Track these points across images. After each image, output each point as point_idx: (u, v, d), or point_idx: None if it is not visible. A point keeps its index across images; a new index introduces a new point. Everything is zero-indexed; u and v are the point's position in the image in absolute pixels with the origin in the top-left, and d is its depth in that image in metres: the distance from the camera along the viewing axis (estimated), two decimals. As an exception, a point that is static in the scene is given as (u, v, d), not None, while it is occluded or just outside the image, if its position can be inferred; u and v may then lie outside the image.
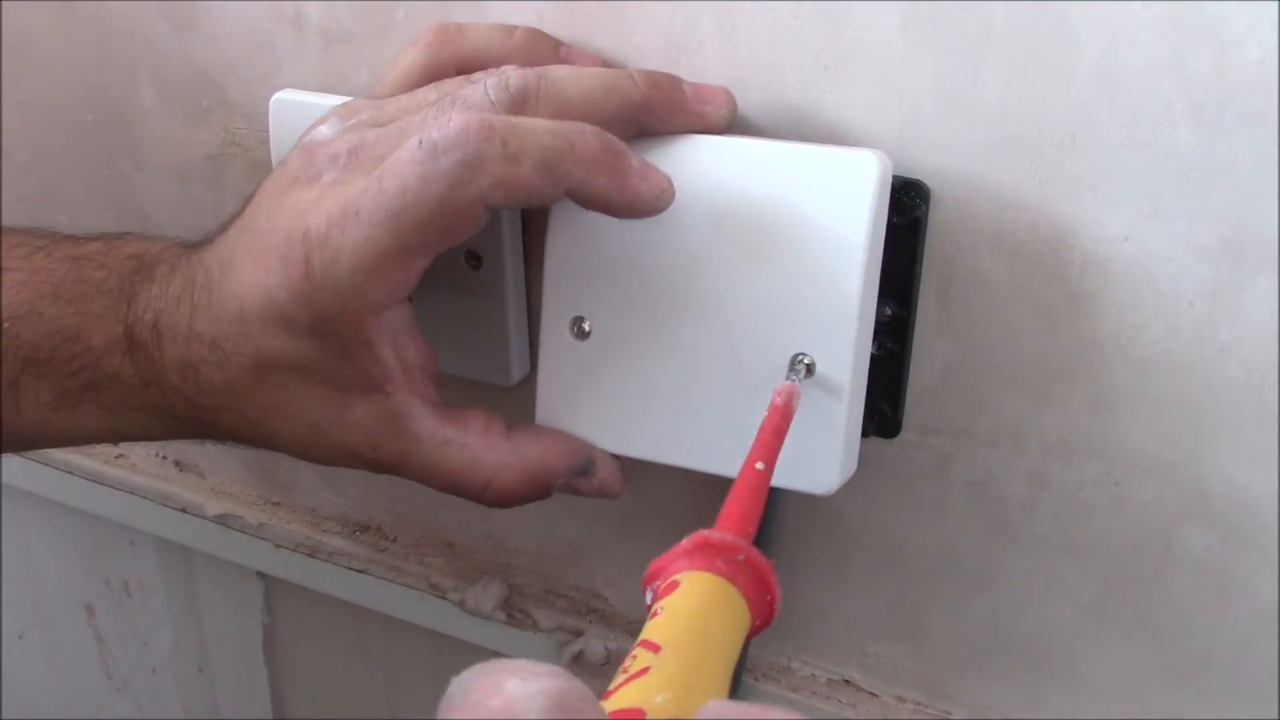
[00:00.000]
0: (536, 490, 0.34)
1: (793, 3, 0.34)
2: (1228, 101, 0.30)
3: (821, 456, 0.32)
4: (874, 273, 0.32)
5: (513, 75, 0.31)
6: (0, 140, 0.54)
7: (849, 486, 0.41)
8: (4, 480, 0.64)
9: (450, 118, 0.29)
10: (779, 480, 0.32)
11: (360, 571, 0.52)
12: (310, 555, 0.54)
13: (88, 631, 0.71)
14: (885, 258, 0.35)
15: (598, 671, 0.49)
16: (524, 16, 0.38)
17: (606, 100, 0.31)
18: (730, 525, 0.26)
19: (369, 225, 0.29)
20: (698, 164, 0.32)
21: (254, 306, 0.31)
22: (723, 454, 0.34)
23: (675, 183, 0.31)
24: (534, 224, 0.42)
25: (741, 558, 0.24)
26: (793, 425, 0.30)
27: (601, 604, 0.50)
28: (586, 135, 0.29)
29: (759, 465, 0.28)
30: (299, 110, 0.43)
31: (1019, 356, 0.36)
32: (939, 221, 0.35)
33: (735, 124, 0.34)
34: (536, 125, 0.29)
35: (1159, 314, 0.33)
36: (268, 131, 0.44)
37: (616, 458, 0.35)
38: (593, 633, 0.49)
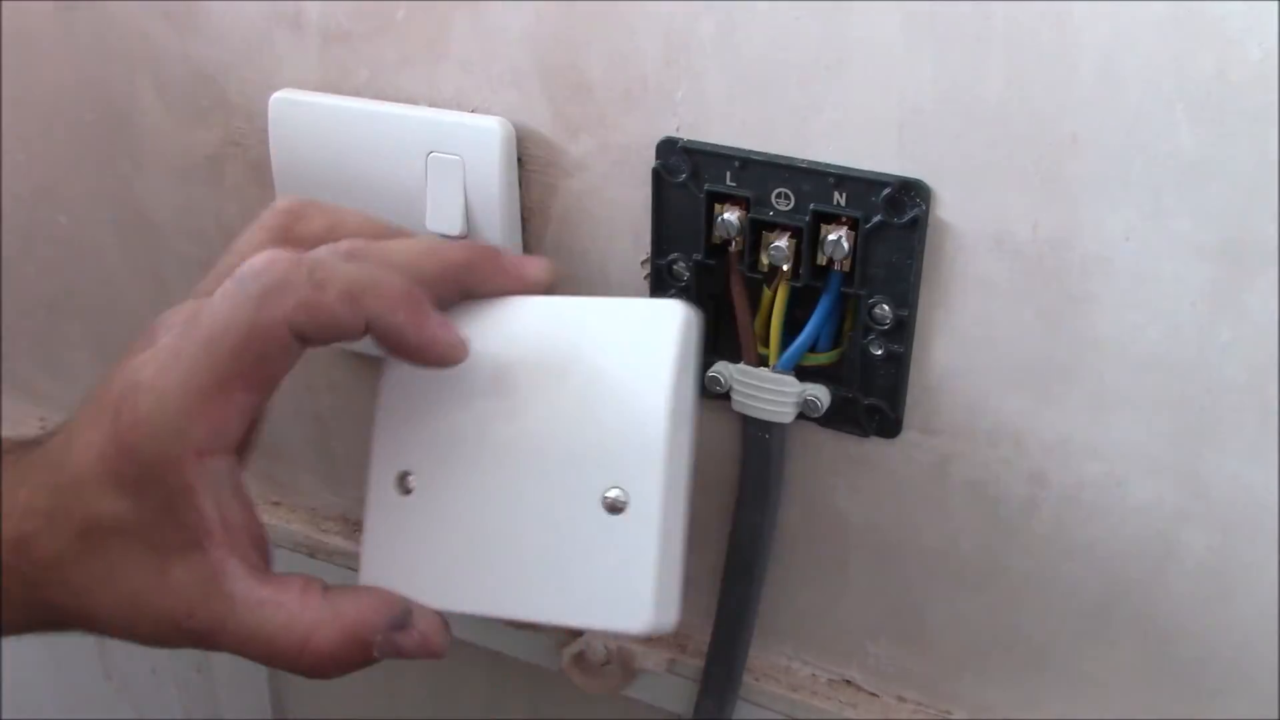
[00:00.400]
0: (356, 649, 0.33)
1: (793, 3, 0.34)
2: (1228, 101, 0.30)
3: (634, 593, 0.31)
4: (684, 410, 0.32)
5: (345, 243, 0.32)
6: (0, 140, 0.54)
7: (849, 486, 0.41)
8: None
9: (264, 254, 0.30)
10: (590, 622, 0.32)
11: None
12: (310, 555, 0.54)
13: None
14: (885, 257, 0.35)
15: (598, 671, 0.49)
16: (524, 16, 0.38)
17: (427, 261, 0.33)
18: None
19: (188, 361, 0.30)
20: (516, 320, 0.33)
21: (86, 466, 0.32)
22: (537, 600, 0.33)
23: (495, 336, 0.33)
24: (534, 223, 0.42)
25: None
26: (604, 561, 0.31)
27: (601, 604, 0.50)
28: (392, 276, 0.31)
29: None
30: (299, 110, 0.43)
31: (1019, 356, 0.36)
32: (939, 221, 0.35)
33: (556, 289, 0.34)
34: (344, 263, 0.31)
35: (1159, 314, 0.33)
36: (268, 131, 0.44)
37: (438, 613, 0.34)
38: (593, 633, 0.49)
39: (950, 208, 0.35)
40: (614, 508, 0.31)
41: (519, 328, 0.33)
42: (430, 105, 0.42)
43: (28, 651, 0.73)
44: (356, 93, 0.43)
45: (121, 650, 0.70)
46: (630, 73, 0.38)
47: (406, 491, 0.34)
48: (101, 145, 0.51)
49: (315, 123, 0.43)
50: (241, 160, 0.47)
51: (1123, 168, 0.32)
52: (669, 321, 0.31)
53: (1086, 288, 0.34)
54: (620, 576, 0.31)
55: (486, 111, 0.41)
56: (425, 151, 0.41)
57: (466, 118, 0.40)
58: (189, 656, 0.67)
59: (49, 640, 0.73)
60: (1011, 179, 0.34)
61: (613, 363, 0.32)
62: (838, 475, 0.41)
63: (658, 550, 0.31)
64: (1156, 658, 0.38)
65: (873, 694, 0.45)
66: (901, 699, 0.44)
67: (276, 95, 0.43)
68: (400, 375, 0.34)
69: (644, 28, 0.37)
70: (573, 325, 0.33)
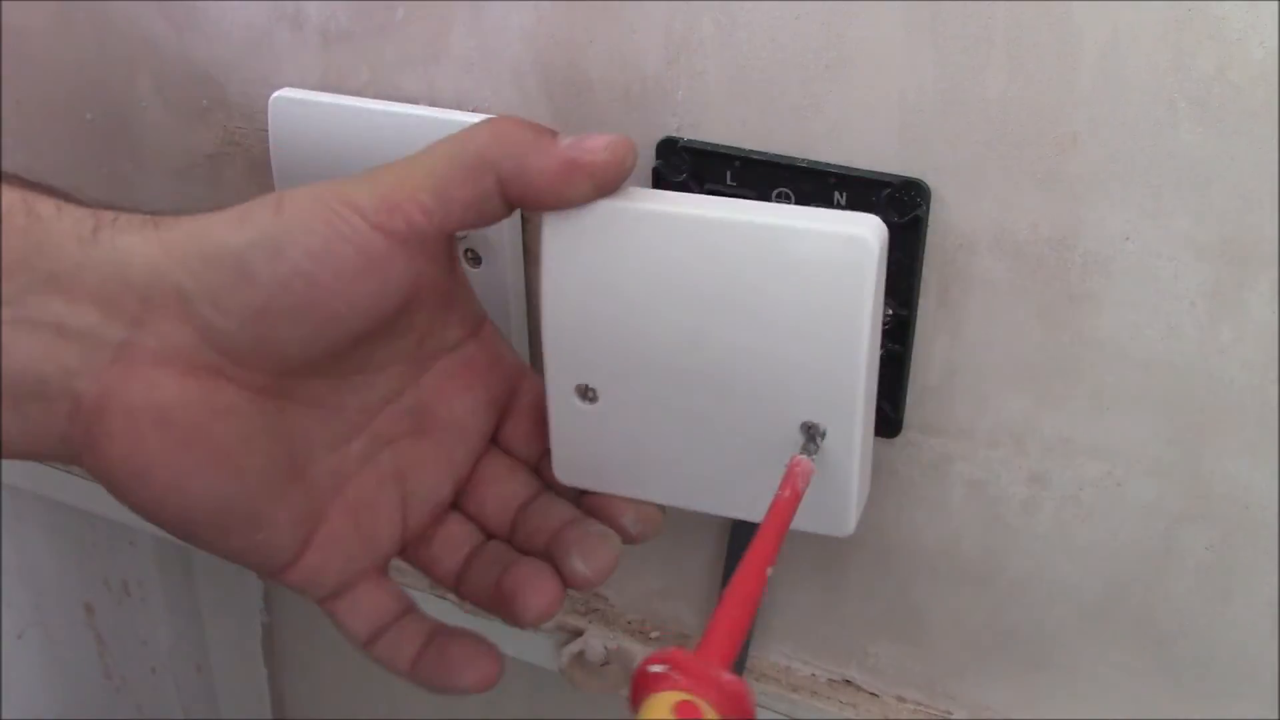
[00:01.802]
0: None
1: (793, 3, 0.34)
2: (1229, 101, 0.30)
3: (838, 505, 0.34)
4: (876, 338, 0.32)
5: None
6: (0, 140, 0.54)
7: (849, 486, 0.41)
8: (4, 480, 0.64)
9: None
10: (803, 525, 0.34)
11: (360, 571, 0.52)
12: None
13: (87, 631, 0.71)
14: (886, 257, 0.36)
15: (598, 671, 0.49)
16: (524, 16, 0.38)
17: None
18: (718, 653, 0.27)
19: (427, 160, 0.34)
20: (701, 240, 0.32)
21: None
22: (734, 499, 0.35)
23: (672, 252, 0.32)
24: (533, 222, 0.42)
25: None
26: (812, 483, 0.32)
27: (602, 604, 0.50)
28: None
29: (757, 578, 0.29)
30: (299, 109, 0.43)
31: (1019, 356, 0.36)
32: (939, 221, 0.35)
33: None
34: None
35: (1159, 314, 0.33)
36: (267, 131, 0.44)
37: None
38: (593, 632, 0.49)
39: (951, 207, 0.35)
40: (812, 434, 0.33)
41: (705, 241, 0.32)
42: (430, 105, 0.42)
43: (28, 651, 0.73)
44: (357, 92, 0.43)
45: (121, 650, 0.70)
46: (630, 73, 0.38)
47: (590, 400, 0.35)
48: (101, 145, 0.51)
49: (315, 122, 0.43)
50: (241, 160, 0.47)
51: (1123, 167, 0.32)
52: (864, 246, 0.31)
53: (1087, 287, 0.34)
54: (824, 494, 0.33)
55: (486, 111, 0.41)
56: (425, 151, 0.41)
57: (467, 117, 0.40)
58: (188, 656, 0.67)
59: (49, 640, 0.73)
60: (1012, 179, 0.34)
61: (807, 287, 0.31)
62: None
63: (857, 471, 0.33)
64: (1156, 658, 0.38)
65: (873, 694, 0.45)
66: (901, 699, 0.44)
67: (276, 95, 0.43)
68: (566, 287, 0.34)
69: (644, 28, 0.37)
70: (762, 242, 0.32)
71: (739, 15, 0.35)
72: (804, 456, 0.32)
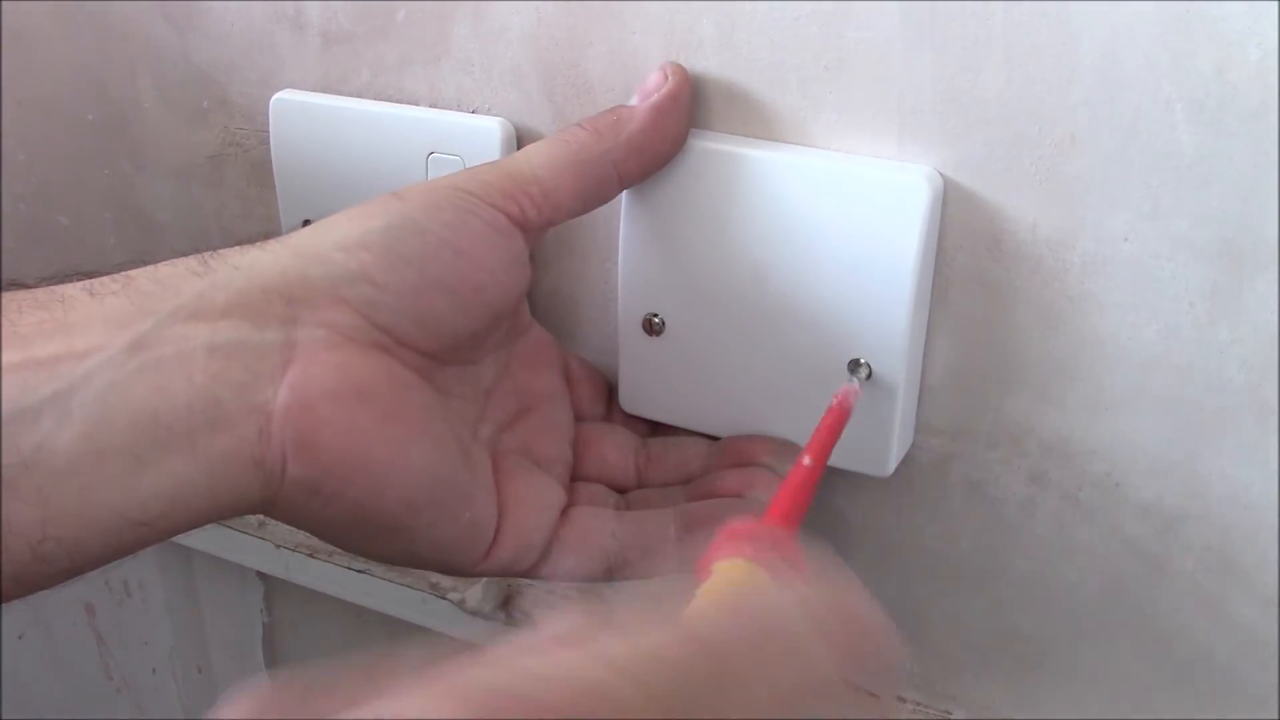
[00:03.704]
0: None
1: (793, 3, 0.34)
2: (1228, 101, 0.30)
3: (879, 445, 0.36)
4: (925, 281, 0.35)
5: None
6: (0, 140, 0.54)
7: (849, 487, 0.41)
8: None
9: None
10: (844, 463, 0.37)
11: (360, 571, 0.52)
12: (310, 555, 0.54)
13: (88, 631, 0.71)
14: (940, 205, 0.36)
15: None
16: (524, 16, 0.38)
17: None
18: (775, 517, 0.29)
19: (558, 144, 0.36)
20: (761, 176, 0.35)
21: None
22: (786, 434, 0.38)
23: (741, 192, 0.35)
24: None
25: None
26: (854, 420, 0.34)
27: (601, 604, 0.50)
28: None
29: (807, 461, 0.31)
30: (299, 110, 0.43)
31: (1019, 356, 0.36)
32: (939, 221, 0.35)
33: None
34: None
35: (1159, 314, 0.33)
36: (268, 131, 0.44)
37: None
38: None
39: (950, 208, 0.35)
40: (859, 371, 0.35)
41: (763, 183, 0.35)
42: (431, 106, 0.42)
43: (28, 651, 0.73)
44: (357, 93, 0.43)
45: (121, 650, 0.70)
46: (630, 73, 0.38)
47: (656, 333, 0.38)
48: (101, 145, 0.51)
49: (316, 123, 0.43)
50: (242, 160, 0.48)
51: (1122, 168, 0.32)
52: (918, 193, 0.33)
53: (1086, 288, 0.34)
54: (864, 429, 0.36)
55: (487, 112, 0.41)
56: (426, 152, 0.41)
57: (467, 118, 0.41)
58: (189, 656, 0.67)
59: (49, 640, 0.73)
60: (1011, 179, 0.34)
61: (861, 231, 0.34)
62: (837, 475, 0.41)
63: (900, 411, 0.36)
64: (1156, 658, 0.38)
65: (872, 694, 0.45)
66: (901, 699, 0.44)
67: (277, 96, 0.43)
68: (640, 224, 0.37)
69: (644, 28, 0.37)
70: (819, 187, 0.34)
71: (739, 15, 0.35)
72: (853, 383, 0.35)
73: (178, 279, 0.28)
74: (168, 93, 0.48)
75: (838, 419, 0.33)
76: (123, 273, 0.29)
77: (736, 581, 0.25)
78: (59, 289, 0.28)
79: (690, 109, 0.35)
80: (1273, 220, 0.31)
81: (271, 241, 0.30)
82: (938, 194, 0.34)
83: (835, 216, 0.34)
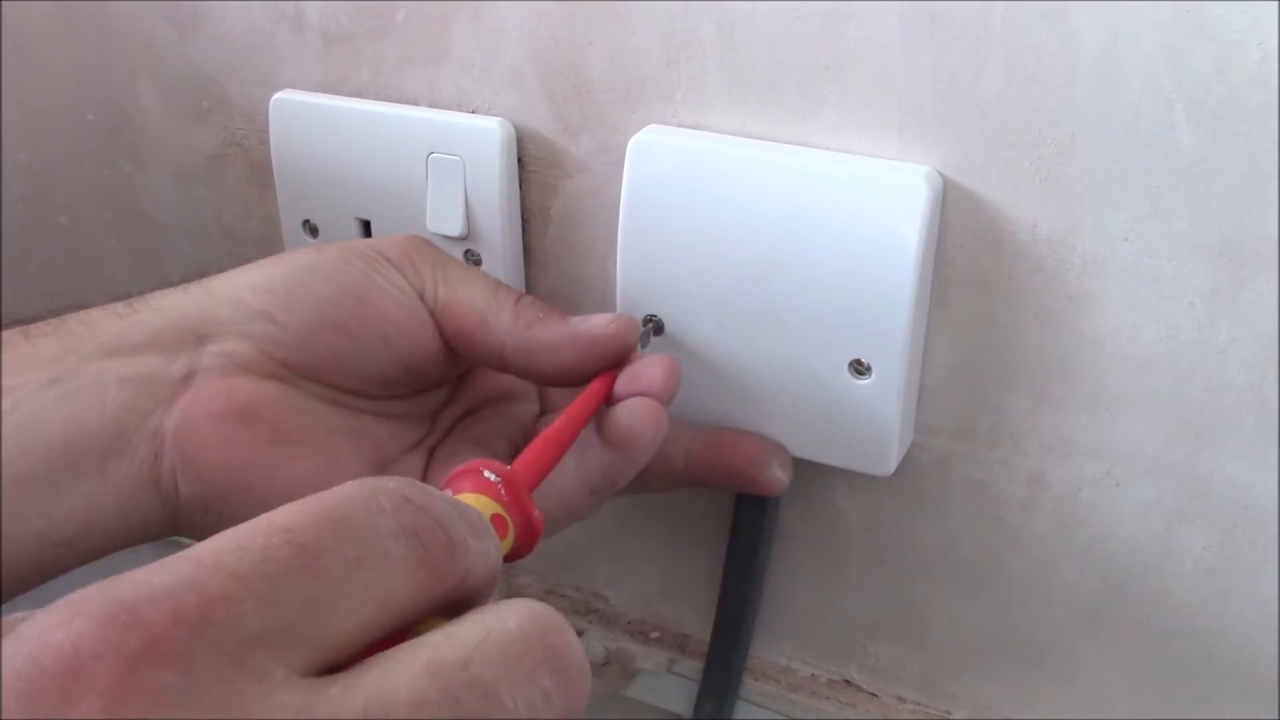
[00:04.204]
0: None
1: (793, 3, 0.34)
2: (1227, 101, 0.30)
3: (879, 445, 0.36)
4: (925, 281, 0.35)
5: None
6: (0, 140, 0.54)
7: (849, 487, 0.41)
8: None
9: None
10: (844, 463, 0.37)
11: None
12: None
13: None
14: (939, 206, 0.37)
15: (598, 672, 0.49)
16: (524, 17, 0.38)
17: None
18: (519, 466, 0.30)
19: None
20: (761, 176, 0.35)
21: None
22: (784, 436, 0.38)
23: (741, 192, 0.35)
24: (534, 223, 0.42)
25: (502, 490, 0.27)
26: (854, 420, 0.35)
27: (601, 604, 0.50)
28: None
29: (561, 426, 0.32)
30: (299, 110, 0.43)
31: (1019, 356, 0.36)
32: (939, 221, 0.35)
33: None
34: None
35: (1158, 314, 0.33)
36: (268, 131, 0.44)
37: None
38: (593, 633, 0.49)
39: (950, 208, 0.35)
40: (859, 372, 0.35)
41: (761, 185, 0.35)
42: (431, 106, 0.42)
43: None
44: (357, 93, 0.43)
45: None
46: (630, 73, 0.38)
47: (657, 331, 0.38)
48: (101, 145, 0.51)
49: (316, 123, 0.43)
50: (242, 160, 0.48)
51: (1122, 168, 0.32)
52: (916, 194, 0.33)
53: (1085, 288, 0.34)
54: (865, 429, 0.36)
55: (487, 112, 0.41)
56: (426, 152, 0.41)
57: (467, 118, 0.41)
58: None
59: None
60: (1011, 179, 0.34)
61: (861, 231, 0.34)
62: (837, 475, 0.41)
63: (899, 410, 0.36)
64: (1156, 658, 0.38)
65: (872, 694, 0.45)
66: (901, 699, 0.44)
67: (277, 96, 0.43)
68: (640, 224, 0.37)
69: (644, 28, 0.37)
70: (819, 186, 0.34)
71: (739, 16, 0.35)
72: (642, 351, 0.35)
73: (104, 321, 0.31)
74: (168, 93, 0.48)
75: (603, 383, 0.34)
76: (59, 317, 0.31)
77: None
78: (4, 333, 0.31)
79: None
80: (1273, 220, 0.31)
81: (193, 285, 0.33)
82: (938, 194, 0.34)
83: (835, 216, 0.34)
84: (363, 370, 0.33)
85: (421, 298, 0.34)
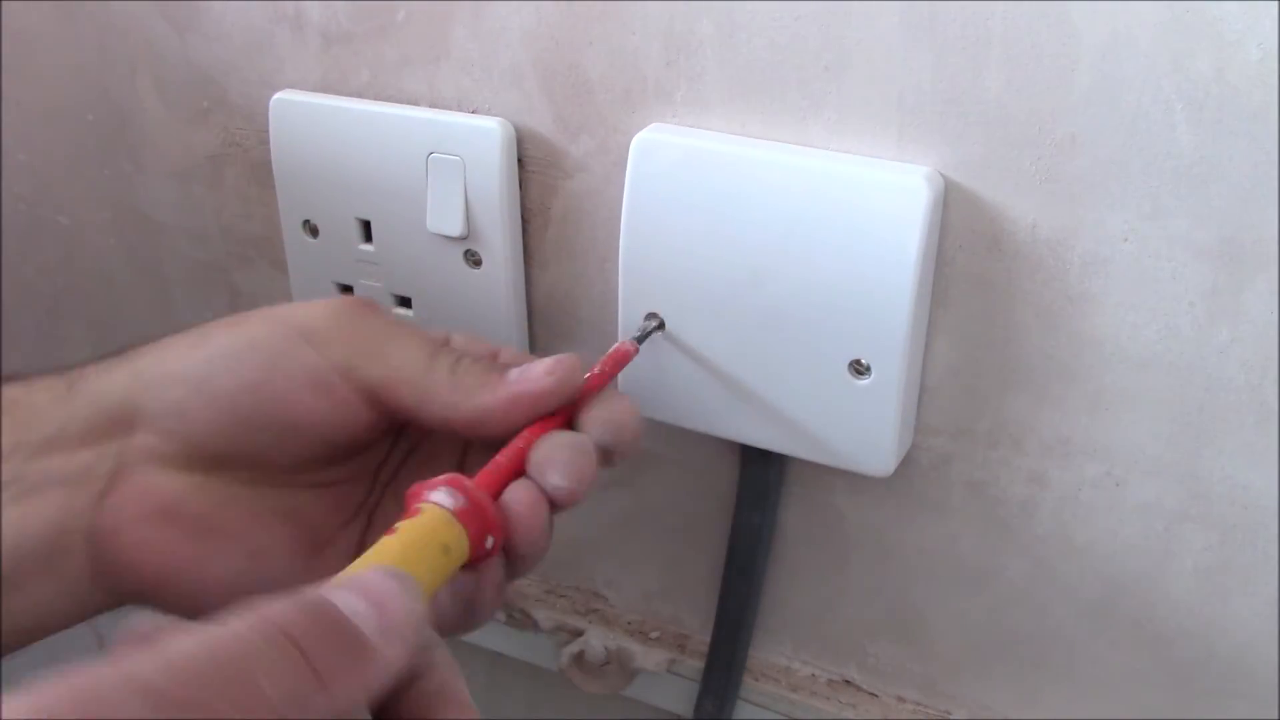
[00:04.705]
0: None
1: (793, 3, 0.34)
2: (1227, 102, 0.30)
3: (879, 445, 0.37)
4: (925, 281, 0.35)
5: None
6: (0, 140, 0.54)
7: (849, 487, 0.41)
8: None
9: None
10: (844, 463, 0.37)
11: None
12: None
13: (88, 631, 0.70)
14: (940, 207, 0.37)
15: (598, 672, 0.49)
16: (524, 17, 0.38)
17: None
18: (482, 479, 0.30)
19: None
20: (761, 176, 0.35)
21: None
22: (782, 436, 0.38)
23: (741, 192, 0.35)
24: (534, 224, 0.42)
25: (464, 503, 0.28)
26: (855, 420, 0.35)
27: (601, 604, 0.50)
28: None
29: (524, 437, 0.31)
30: (299, 110, 0.43)
31: (1019, 356, 0.36)
32: (939, 221, 0.35)
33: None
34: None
35: (1158, 314, 0.33)
36: (268, 132, 0.44)
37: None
38: (593, 633, 0.49)
39: (950, 208, 0.35)
40: (859, 372, 0.35)
41: (772, 183, 0.35)
42: (431, 106, 0.42)
43: (28, 651, 0.73)
44: (357, 93, 0.43)
45: (121, 650, 0.70)
46: (630, 73, 0.38)
47: (658, 328, 0.38)
48: (101, 145, 0.51)
49: (315, 123, 0.43)
50: (242, 161, 0.47)
51: (1121, 168, 0.32)
52: (916, 194, 0.33)
53: (1085, 288, 0.34)
54: (864, 429, 0.36)
55: (487, 112, 0.41)
56: (426, 152, 0.41)
57: (467, 118, 0.41)
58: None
59: (49, 640, 0.73)
60: (1011, 179, 0.34)
61: (861, 231, 0.34)
62: (837, 475, 0.41)
63: (899, 410, 0.36)
64: (1156, 658, 0.38)
65: (872, 694, 0.45)
66: (901, 699, 0.44)
67: (277, 96, 0.43)
68: (640, 224, 0.37)
69: (644, 28, 0.37)
70: (819, 186, 0.34)
71: (739, 16, 0.35)
72: (631, 340, 0.35)
73: (46, 408, 0.31)
74: (168, 93, 0.48)
75: (597, 381, 0.33)
76: (8, 399, 0.31)
77: (421, 525, 0.27)
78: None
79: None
80: (1273, 220, 0.31)
81: (124, 362, 0.33)
82: (938, 194, 0.34)
83: (835, 216, 0.34)
84: (281, 457, 0.33)
85: (348, 376, 0.32)
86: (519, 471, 0.31)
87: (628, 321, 0.39)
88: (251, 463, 0.32)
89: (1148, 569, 0.37)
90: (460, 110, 0.41)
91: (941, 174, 0.34)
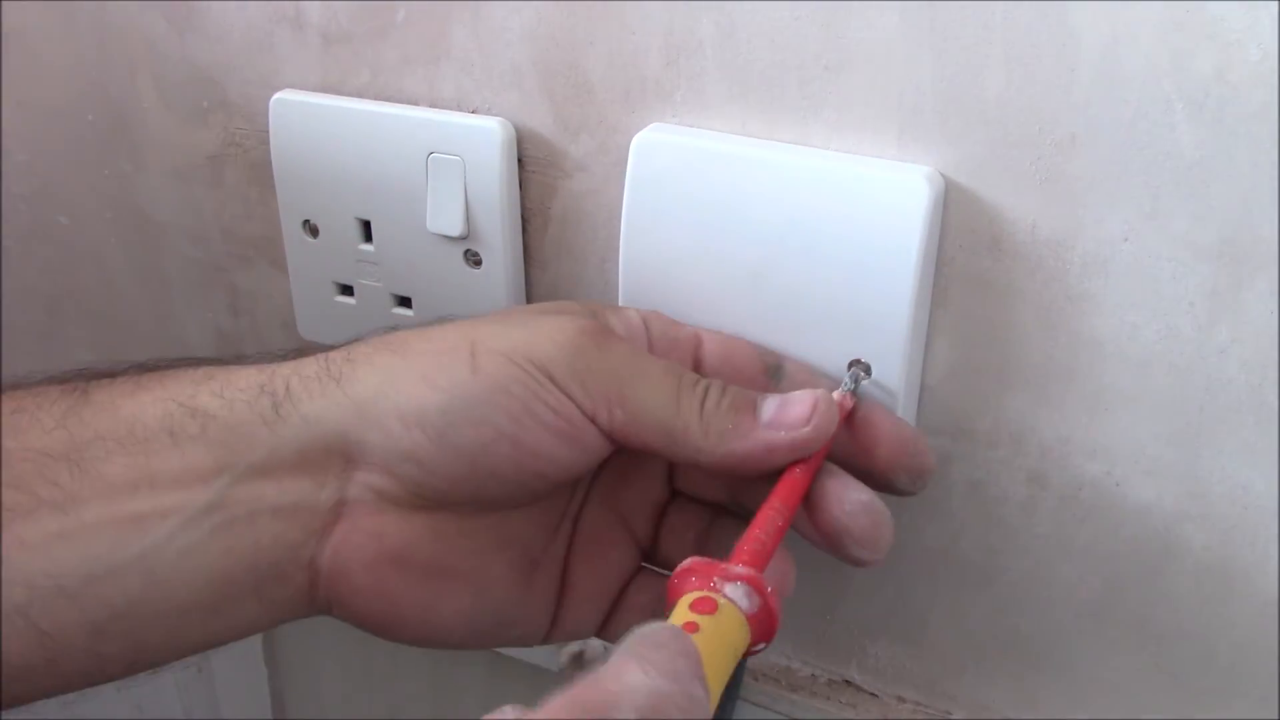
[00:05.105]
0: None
1: (793, 3, 0.34)
2: (1227, 102, 0.30)
3: None
4: (925, 281, 0.35)
5: None
6: (0, 140, 0.54)
7: (849, 486, 0.41)
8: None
9: None
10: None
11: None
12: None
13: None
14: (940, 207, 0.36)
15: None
16: (524, 17, 0.38)
17: None
18: (753, 558, 0.29)
19: None
20: (761, 176, 0.35)
21: None
22: None
23: (741, 192, 0.35)
24: (534, 223, 0.42)
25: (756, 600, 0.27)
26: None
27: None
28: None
29: (779, 509, 0.30)
30: (299, 111, 0.43)
31: (1019, 356, 0.36)
32: (939, 221, 0.35)
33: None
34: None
35: (1159, 314, 0.33)
36: (268, 132, 0.44)
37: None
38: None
39: (950, 208, 0.35)
40: (858, 372, 0.35)
41: (763, 185, 0.35)
42: (431, 106, 0.42)
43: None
44: (357, 93, 0.43)
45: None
46: (630, 73, 0.38)
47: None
48: (101, 145, 0.51)
49: (315, 123, 0.43)
50: (242, 161, 0.47)
51: (1122, 168, 0.32)
52: (916, 194, 0.33)
53: (1085, 288, 0.34)
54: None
55: (487, 112, 0.41)
56: (426, 152, 0.41)
57: (467, 118, 0.41)
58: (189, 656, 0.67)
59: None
60: (1011, 179, 0.34)
61: (861, 231, 0.34)
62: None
63: (899, 410, 0.36)
64: (1156, 658, 0.38)
65: (872, 694, 0.45)
66: (901, 699, 0.44)
67: (277, 96, 0.43)
68: (640, 224, 0.37)
69: (644, 28, 0.37)
70: (819, 186, 0.34)
71: (739, 16, 0.35)
72: (844, 392, 0.34)
73: (251, 429, 0.30)
74: (168, 93, 0.48)
75: (806, 473, 0.32)
76: (200, 409, 0.30)
77: (721, 632, 0.26)
78: (139, 423, 0.30)
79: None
80: (1273, 220, 0.31)
81: (345, 378, 0.31)
82: (938, 194, 0.34)
83: (835, 216, 0.34)
84: (514, 498, 0.32)
85: (596, 419, 0.31)
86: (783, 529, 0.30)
87: None
88: (482, 503, 0.32)
89: (1147, 569, 0.37)
90: (460, 110, 0.41)
91: (941, 174, 0.34)
